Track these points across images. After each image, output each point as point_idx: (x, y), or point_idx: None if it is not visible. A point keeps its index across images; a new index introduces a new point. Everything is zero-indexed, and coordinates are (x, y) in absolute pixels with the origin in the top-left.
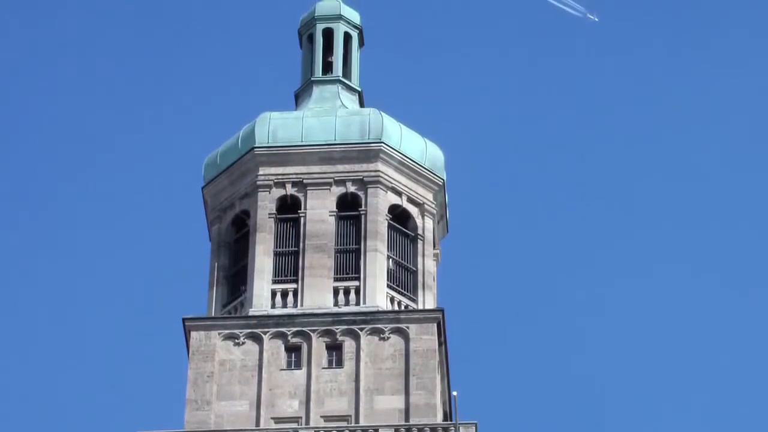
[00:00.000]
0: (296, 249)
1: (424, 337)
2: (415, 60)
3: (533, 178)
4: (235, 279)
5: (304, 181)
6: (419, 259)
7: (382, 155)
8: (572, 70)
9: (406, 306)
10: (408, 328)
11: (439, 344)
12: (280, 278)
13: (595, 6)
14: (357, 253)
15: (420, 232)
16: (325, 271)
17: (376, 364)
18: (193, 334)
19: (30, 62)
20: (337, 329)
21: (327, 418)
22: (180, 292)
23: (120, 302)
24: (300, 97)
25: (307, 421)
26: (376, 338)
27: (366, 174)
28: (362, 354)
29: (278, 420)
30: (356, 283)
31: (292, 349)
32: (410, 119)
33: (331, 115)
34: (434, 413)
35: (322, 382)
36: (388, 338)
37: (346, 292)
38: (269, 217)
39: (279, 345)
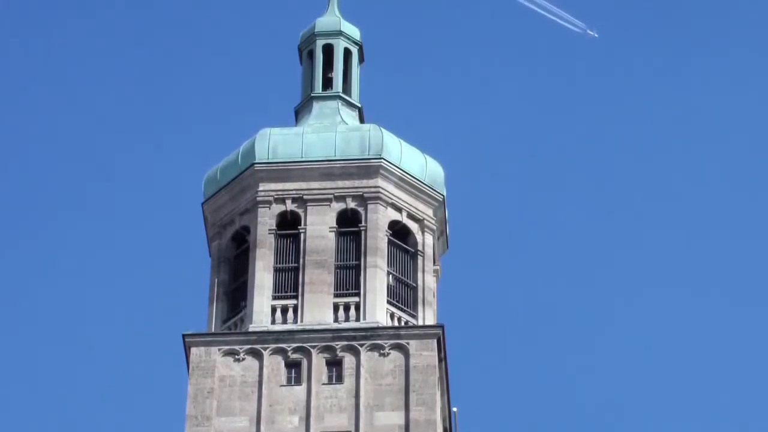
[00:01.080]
0: (296, 265)
1: (424, 353)
2: (415, 76)
3: (533, 194)
4: (235, 295)
5: (304, 196)
6: (419, 274)
7: (382, 171)
8: (573, 86)
9: (406, 322)
10: (408, 344)
11: (439, 360)
12: (280, 294)
13: (595, 22)
14: (357, 269)
15: (420, 247)
16: (325, 287)
17: (376, 380)
18: (193, 350)
19: (31, 80)
20: (337, 345)
21: None
22: (180, 307)
23: (120, 318)
24: (300, 113)
25: None
26: (376, 354)
27: (366, 190)
28: (362, 370)
29: None
30: (356, 299)
31: (292, 365)
32: (410, 135)
33: (331, 131)
34: (434, 429)
35: (322, 398)
36: (388, 354)
37: (346, 308)
38: (269, 233)
39: (279, 361)
